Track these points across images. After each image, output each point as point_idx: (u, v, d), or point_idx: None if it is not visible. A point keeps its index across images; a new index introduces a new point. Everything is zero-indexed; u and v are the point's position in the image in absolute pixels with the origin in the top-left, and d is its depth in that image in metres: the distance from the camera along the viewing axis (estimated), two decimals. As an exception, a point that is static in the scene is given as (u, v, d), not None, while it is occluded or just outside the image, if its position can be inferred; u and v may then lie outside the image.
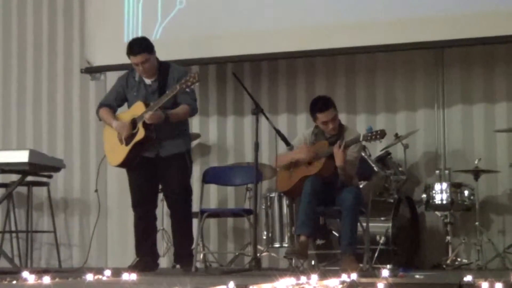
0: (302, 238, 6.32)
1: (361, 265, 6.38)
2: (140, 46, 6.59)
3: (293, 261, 6.79)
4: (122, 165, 6.67)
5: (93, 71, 8.40)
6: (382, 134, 6.30)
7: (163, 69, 6.62)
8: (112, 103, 6.78)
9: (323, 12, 7.57)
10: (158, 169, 6.61)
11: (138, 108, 6.51)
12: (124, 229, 8.44)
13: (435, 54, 7.75)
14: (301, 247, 6.29)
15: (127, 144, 6.52)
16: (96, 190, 6.92)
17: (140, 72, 6.60)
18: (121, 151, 6.56)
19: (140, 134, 6.45)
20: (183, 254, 6.67)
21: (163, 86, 6.51)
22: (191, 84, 6.32)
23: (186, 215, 6.68)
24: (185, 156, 6.61)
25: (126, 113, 6.67)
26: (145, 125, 6.42)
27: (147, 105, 6.45)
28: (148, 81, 6.64)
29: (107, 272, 5.37)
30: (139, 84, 6.66)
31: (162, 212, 7.73)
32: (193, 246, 6.75)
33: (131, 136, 6.50)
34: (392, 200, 7.21)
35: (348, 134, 6.55)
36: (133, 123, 6.49)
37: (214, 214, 7.44)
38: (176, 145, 6.58)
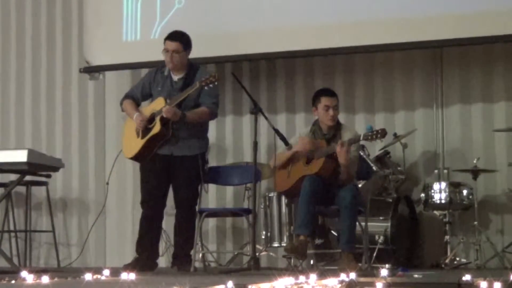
0: (301, 237, 6.32)
1: (360, 264, 6.39)
2: (179, 35, 6.75)
3: (292, 260, 6.79)
4: (135, 158, 6.74)
5: (91, 70, 8.40)
6: (382, 133, 6.30)
7: (192, 70, 6.70)
8: (137, 95, 6.86)
9: (322, 12, 7.56)
10: (171, 168, 6.64)
11: (158, 103, 6.59)
12: (122, 229, 8.44)
13: (433, 53, 7.76)
14: (300, 247, 6.29)
15: (143, 137, 6.57)
16: (107, 183, 7.01)
17: (168, 60, 6.66)
18: (136, 144, 6.62)
19: (156, 128, 6.51)
20: (182, 257, 6.68)
21: (188, 86, 6.56)
22: (210, 82, 6.40)
23: (190, 219, 6.70)
24: (198, 159, 6.63)
25: (147, 107, 6.75)
26: (162, 120, 6.46)
27: (168, 100, 6.52)
28: (175, 77, 6.70)
29: (106, 272, 5.37)
30: (166, 79, 6.72)
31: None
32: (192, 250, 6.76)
33: (148, 130, 6.54)
34: (391, 200, 7.21)
35: (345, 132, 6.56)
36: (152, 117, 6.53)
37: (213, 213, 7.44)
38: (190, 146, 6.61)
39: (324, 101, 6.56)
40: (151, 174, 6.69)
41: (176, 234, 6.79)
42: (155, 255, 6.77)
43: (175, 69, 6.71)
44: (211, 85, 6.43)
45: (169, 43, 6.68)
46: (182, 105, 6.53)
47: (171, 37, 6.73)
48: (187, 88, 6.53)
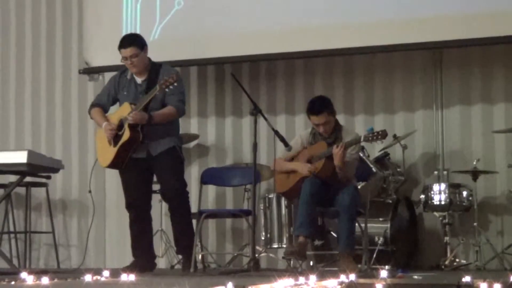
0: (301, 239, 6.32)
1: (359, 265, 6.38)
2: (130, 40, 6.70)
3: (292, 262, 6.79)
4: (112, 166, 6.71)
5: (91, 72, 8.40)
6: (383, 134, 6.30)
7: (154, 70, 6.64)
8: (104, 103, 6.82)
9: (322, 13, 7.57)
10: (152, 168, 6.63)
11: (124, 109, 6.55)
12: (122, 230, 8.41)
13: (433, 55, 7.76)
14: (299, 248, 6.29)
15: (115, 145, 6.54)
16: (90, 191, 6.97)
17: (129, 66, 6.62)
18: (110, 152, 6.58)
19: (126, 135, 6.47)
20: (185, 245, 6.64)
21: (152, 86, 6.49)
22: (169, 84, 6.33)
23: (185, 207, 6.65)
24: (177, 149, 6.61)
25: (115, 114, 6.70)
26: (130, 126, 6.43)
27: (133, 105, 6.47)
28: (138, 80, 6.66)
29: (106, 273, 5.37)
30: (130, 83, 6.68)
31: (161, 213, 7.74)
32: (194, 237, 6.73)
33: (119, 137, 6.52)
34: (390, 201, 7.21)
35: (345, 134, 6.56)
36: (121, 124, 6.51)
37: (212, 215, 7.42)
38: (164, 143, 6.57)
39: (313, 119, 6.57)
40: (132, 178, 6.66)
41: (174, 226, 6.70)
42: (152, 256, 6.75)
43: (139, 72, 6.66)
44: (171, 87, 6.35)
45: (124, 51, 6.61)
46: (149, 107, 6.46)
47: (123, 44, 6.64)
48: (151, 88, 6.46)
